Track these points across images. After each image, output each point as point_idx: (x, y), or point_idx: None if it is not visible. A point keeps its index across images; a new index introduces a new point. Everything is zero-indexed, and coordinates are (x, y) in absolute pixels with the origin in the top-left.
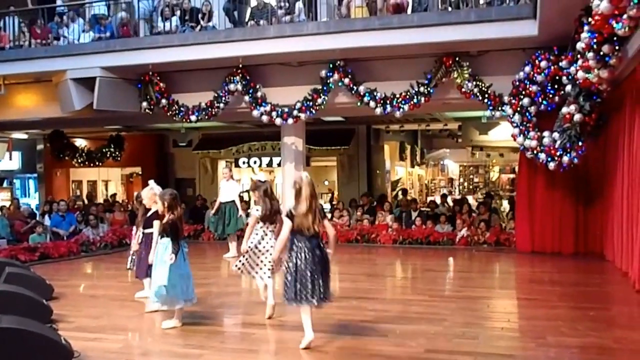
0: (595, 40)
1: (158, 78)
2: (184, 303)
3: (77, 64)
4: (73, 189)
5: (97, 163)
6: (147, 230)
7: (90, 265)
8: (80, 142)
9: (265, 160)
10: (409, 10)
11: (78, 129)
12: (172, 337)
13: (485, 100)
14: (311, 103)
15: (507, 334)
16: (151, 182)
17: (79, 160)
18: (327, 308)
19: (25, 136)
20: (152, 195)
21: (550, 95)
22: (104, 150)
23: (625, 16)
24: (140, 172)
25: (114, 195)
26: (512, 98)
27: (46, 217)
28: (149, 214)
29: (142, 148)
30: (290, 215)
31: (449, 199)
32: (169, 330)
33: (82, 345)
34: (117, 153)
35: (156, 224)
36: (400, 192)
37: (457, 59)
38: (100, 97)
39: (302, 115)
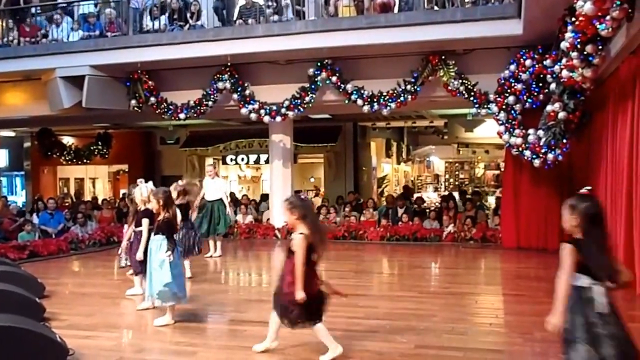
0: (579, 40)
1: (147, 76)
2: (175, 301)
3: (66, 63)
4: (60, 187)
5: (84, 160)
6: (139, 228)
7: (80, 263)
8: (68, 140)
9: (253, 157)
10: (396, 10)
11: (66, 126)
12: (165, 335)
13: (471, 98)
14: (299, 101)
15: (495, 329)
16: (142, 182)
17: (67, 158)
18: None
19: (12, 134)
20: (149, 193)
21: (535, 93)
22: (91, 147)
23: (608, 17)
24: (127, 170)
25: (95, 198)
26: (497, 96)
27: (34, 215)
28: (140, 212)
29: (129, 145)
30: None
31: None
32: (161, 327)
33: (75, 343)
34: (104, 150)
35: (145, 221)
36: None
37: (443, 57)
38: (89, 95)
39: (290, 113)
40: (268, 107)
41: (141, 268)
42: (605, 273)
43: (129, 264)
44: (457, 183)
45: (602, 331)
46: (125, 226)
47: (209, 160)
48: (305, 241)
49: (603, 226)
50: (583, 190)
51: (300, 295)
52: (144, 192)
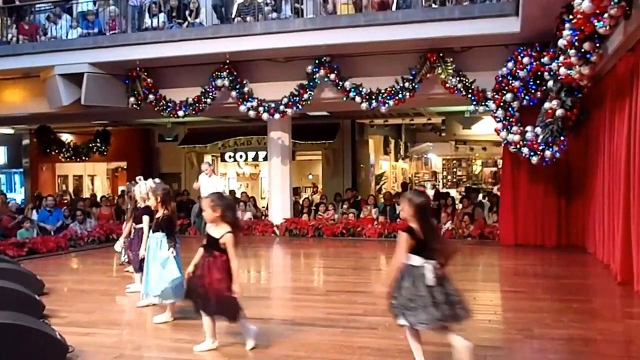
0: (576, 38)
1: (145, 74)
2: (175, 298)
3: (65, 60)
4: (59, 184)
5: (83, 158)
6: (139, 225)
7: (79, 261)
8: (67, 137)
9: (251, 154)
10: (394, 7)
11: (65, 124)
12: (165, 332)
13: (469, 96)
14: (298, 98)
15: (494, 326)
16: (141, 179)
17: (66, 155)
18: (316, 302)
19: (11, 131)
20: (148, 191)
21: (533, 91)
22: (90, 145)
23: (606, 15)
24: (125, 167)
25: (94, 195)
26: (495, 93)
27: (33, 212)
28: (140, 209)
29: (128, 143)
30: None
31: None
32: (161, 324)
33: (75, 340)
34: (103, 148)
35: (145, 219)
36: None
37: (441, 55)
38: (88, 92)
39: (289, 111)
40: (266, 105)
41: (142, 265)
42: (434, 254)
43: (127, 260)
44: (454, 180)
45: (432, 299)
46: (125, 223)
47: (208, 158)
48: (234, 238)
49: (431, 216)
50: (418, 188)
51: (237, 288)
52: (142, 189)
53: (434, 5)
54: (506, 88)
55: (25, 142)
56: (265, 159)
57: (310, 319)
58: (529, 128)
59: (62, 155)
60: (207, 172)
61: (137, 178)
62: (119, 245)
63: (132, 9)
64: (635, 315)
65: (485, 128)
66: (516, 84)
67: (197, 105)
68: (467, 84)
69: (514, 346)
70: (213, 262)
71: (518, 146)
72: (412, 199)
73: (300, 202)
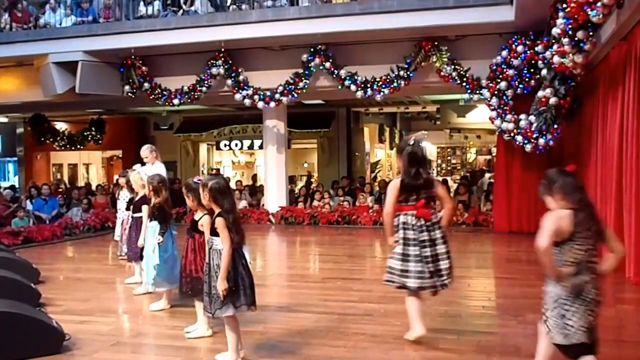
0: (570, 26)
1: (140, 62)
2: (169, 285)
3: (59, 48)
4: (54, 173)
5: (78, 146)
6: (137, 215)
7: (75, 249)
8: (61, 126)
9: (247, 142)
10: None
11: (59, 112)
12: (161, 319)
13: (464, 84)
14: (293, 87)
15: (488, 312)
16: (137, 167)
17: (60, 144)
18: (312, 289)
19: (5, 119)
20: (139, 179)
21: (527, 79)
22: (85, 133)
23: (599, 3)
24: (120, 155)
25: (88, 184)
26: (489, 82)
27: (27, 201)
28: (137, 198)
29: (123, 131)
30: None
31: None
32: (157, 312)
33: (71, 328)
34: (98, 136)
35: (144, 208)
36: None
37: (436, 43)
38: (83, 80)
39: (284, 99)
40: (262, 93)
41: (139, 255)
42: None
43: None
44: (449, 168)
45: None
46: (121, 212)
47: (204, 146)
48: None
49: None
50: (213, 171)
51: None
52: (140, 176)
53: None
54: (500, 76)
55: (20, 130)
56: (260, 147)
57: (306, 305)
58: (522, 116)
59: (56, 143)
60: (148, 159)
61: (135, 166)
62: (118, 235)
63: None
64: (626, 301)
65: (480, 116)
66: (510, 72)
67: (192, 93)
68: (461, 72)
69: (507, 331)
70: (193, 244)
71: (512, 134)
72: (206, 184)
73: (297, 191)
